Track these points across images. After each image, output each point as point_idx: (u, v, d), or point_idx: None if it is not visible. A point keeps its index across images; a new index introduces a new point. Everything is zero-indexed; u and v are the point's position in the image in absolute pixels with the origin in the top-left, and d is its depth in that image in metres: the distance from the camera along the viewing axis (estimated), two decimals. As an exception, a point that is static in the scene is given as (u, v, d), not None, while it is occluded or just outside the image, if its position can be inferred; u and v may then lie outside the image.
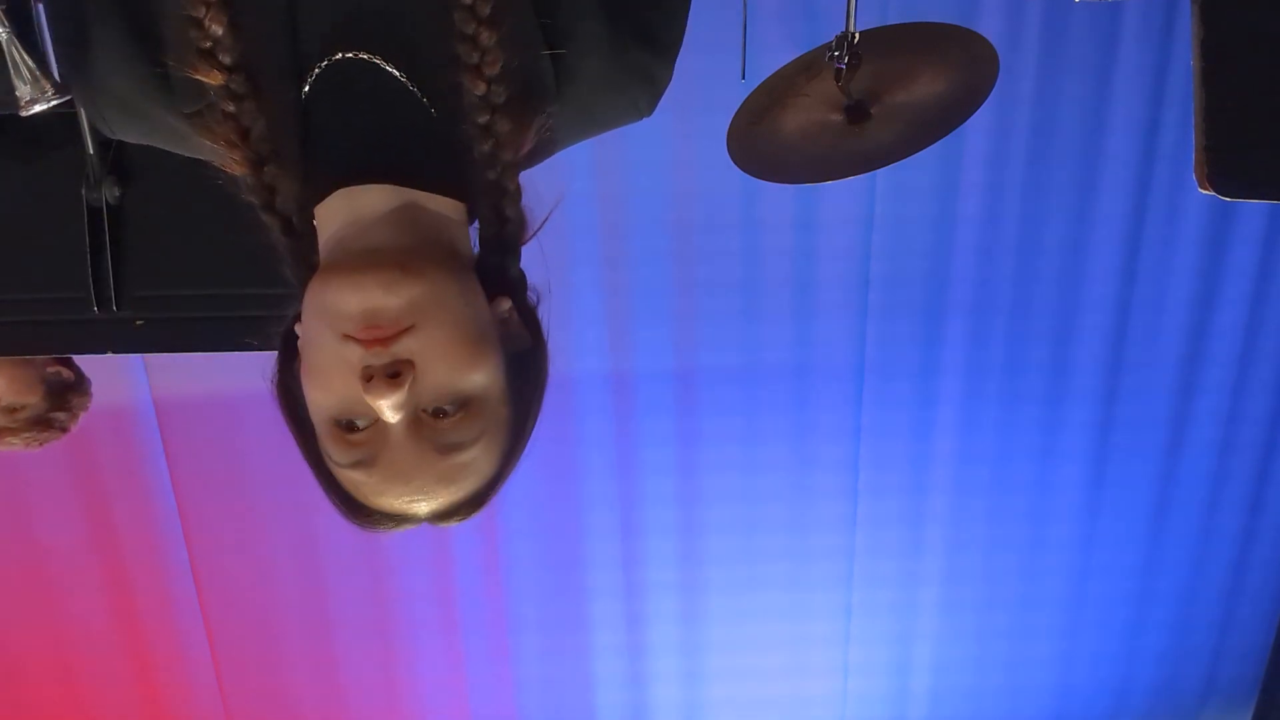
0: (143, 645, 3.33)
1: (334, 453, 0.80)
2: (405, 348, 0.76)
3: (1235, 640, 3.63)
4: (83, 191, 1.51)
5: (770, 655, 3.54)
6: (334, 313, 0.76)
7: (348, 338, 0.75)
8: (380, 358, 0.75)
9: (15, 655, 3.30)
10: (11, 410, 1.96)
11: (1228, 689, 3.72)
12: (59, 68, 0.89)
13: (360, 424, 0.79)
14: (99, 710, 3.40)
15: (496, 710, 3.54)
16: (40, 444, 2.04)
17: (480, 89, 0.81)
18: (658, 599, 3.42)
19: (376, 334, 0.75)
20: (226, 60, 0.79)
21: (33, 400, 1.99)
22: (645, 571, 3.37)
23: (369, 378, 0.74)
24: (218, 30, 0.79)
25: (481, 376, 0.80)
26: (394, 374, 0.74)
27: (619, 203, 2.90)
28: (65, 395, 2.04)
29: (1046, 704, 3.69)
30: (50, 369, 2.01)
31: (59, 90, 1.03)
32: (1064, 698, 3.68)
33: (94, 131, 1.46)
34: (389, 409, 0.75)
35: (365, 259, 0.78)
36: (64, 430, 2.06)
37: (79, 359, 2.10)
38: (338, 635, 3.37)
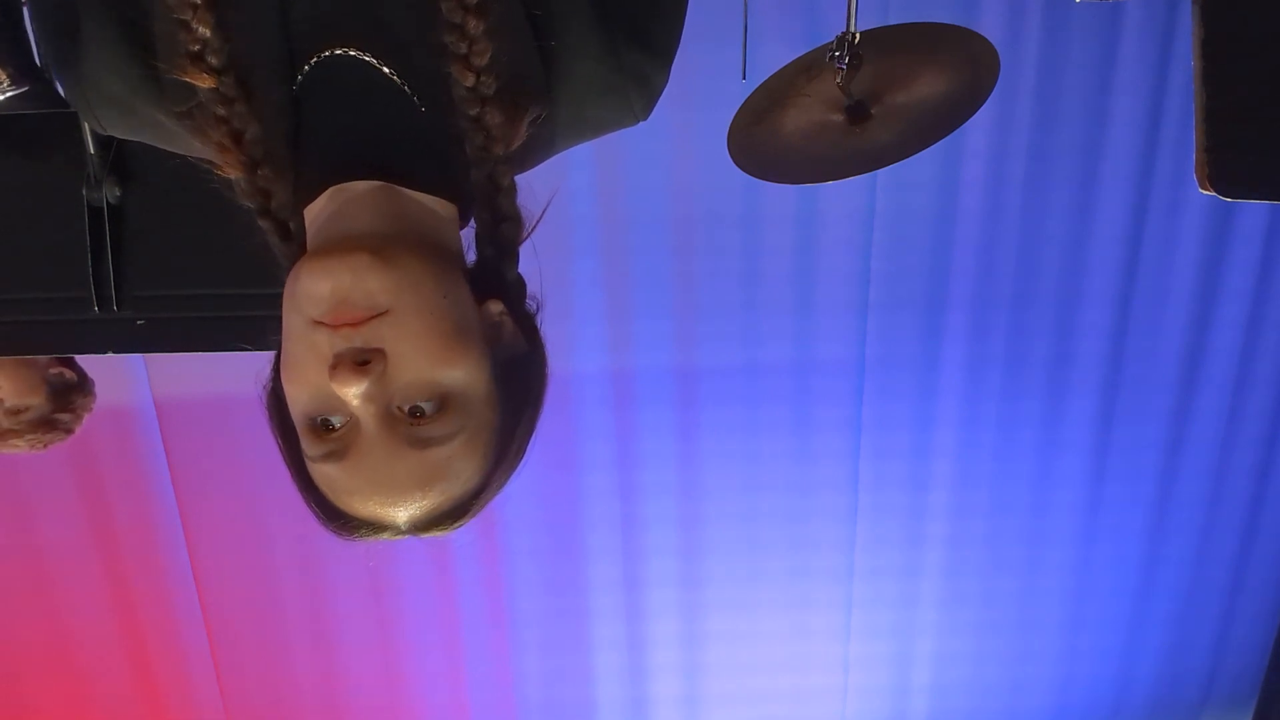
0: (143, 645, 3.33)
1: (308, 446, 0.78)
2: (376, 335, 0.73)
3: (1236, 636, 3.64)
4: (83, 191, 1.50)
5: (771, 648, 3.55)
6: (304, 298, 0.74)
7: (317, 323, 0.73)
8: (350, 340, 0.73)
9: (16, 655, 3.30)
10: (15, 412, 1.96)
11: (1229, 685, 3.73)
12: (50, 63, 0.86)
13: (335, 422, 0.76)
14: (99, 710, 3.40)
15: (496, 703, 3.54)
16: (45, 445, 2.04)
17: (469, 80, 0.79)
18: (658, 592, 3.42)
19: (345, 317, 0.73)
20: (215, 62, 0.78)
21: (36, 402, 1.99)
22: (646, 565, 3.38)
23: (336, 365, 0.72)
24: (205, 32, 0.77)
25: (461, 373, 0.77)
26: (363, 362, 0.72)
27: (620, 197, 2.90)
28: (68, 396, 2.04)
29: (1048, 699, 3.70)
30: (53, 370, 2.01)
31: (16, 81, 0.99)
32: (1065, 692, 3.69)
33: (95, 131, 1.45)
34: (355, 397, 0.73)
35: (338, 244, 0.76)
36: (68, 431, 2.06)
37: (80, 359, 2.10)
38: (337, 630, 3.37)
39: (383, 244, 0.75)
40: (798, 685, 3.63)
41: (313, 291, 0.73)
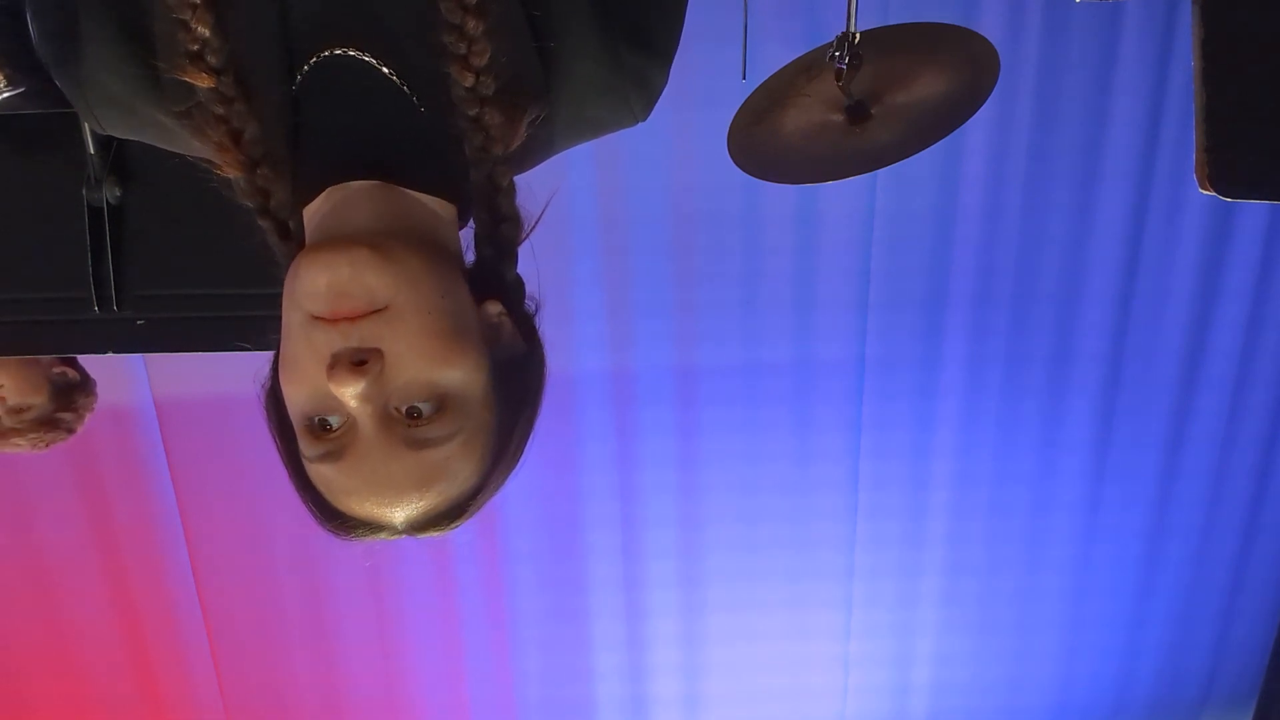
0: (143, 644, 3.33)
1: (305, 447, 0.77)
2: (374, 333, 0.73)
3: (1236, 636, 3.64)
4: (83, 191, 1.50)
5: (771, 648, 3.55)
6: (302, 293, 0.73)
7: (315, 319, 0.73)
8: (348, 338, 0.73)
9: (16, 654, 3.30)
10: (18, 411, 1.96)
11: (1229, 685, 3.73)
12: (49, 63, 0.86)
13: (333, 422, 0.76)
14: (99, 709, 3.41)
15: (495, 702, 3.54)
16: (47, 445, 2.04)
17: (468, 80, 0.79)
18: (658, 592, 3.42)
19: (342, 311, 0.73)
20: (214, 62, 0.78)
21: (39, 401, 1.99)
22: (645, 564, 3.38)
23: (333, 365, 0.72)
24: (204, 31, 0.77)
25: (459, 373, 0.77)
26: (360, 362, 0.72)
27: (620, 197, 2.90)
28: (71, 396, 2.05)
29: (1048, 698, 3.70)
30: (56, 370, 2.01)
31: (14, 80, 0.99)
32: (1065, 692, 3.69)
33: (95, 131, 1.46)
34: (352, 397, 0.72)
35: (337, 240, 0.76)
36: (70, 431, 2.06)
37: (81, 359, 2.10)
38: (337, 629, 3.38)
39: (382, 240, 0.75)
40: (798, 685, 3.63)
41: (310, 285, 0.73)
